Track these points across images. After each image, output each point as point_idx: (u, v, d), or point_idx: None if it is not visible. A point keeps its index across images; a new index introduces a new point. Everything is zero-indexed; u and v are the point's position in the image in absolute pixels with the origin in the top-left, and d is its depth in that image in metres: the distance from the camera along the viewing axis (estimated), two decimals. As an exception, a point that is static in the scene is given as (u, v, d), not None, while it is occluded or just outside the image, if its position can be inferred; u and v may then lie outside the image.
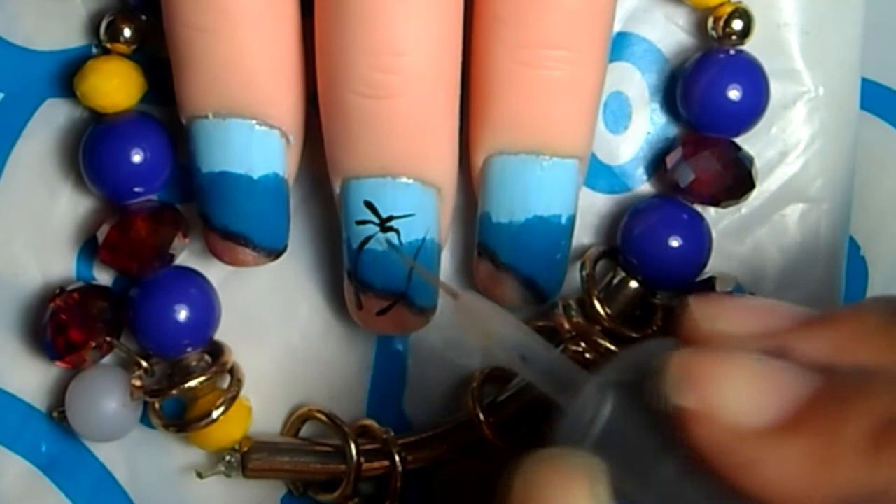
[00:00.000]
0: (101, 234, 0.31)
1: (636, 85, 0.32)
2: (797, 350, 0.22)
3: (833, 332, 0.22)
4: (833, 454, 0.20)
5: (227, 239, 0.29)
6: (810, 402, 0.20)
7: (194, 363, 0.31)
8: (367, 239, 0.29)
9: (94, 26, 0.31)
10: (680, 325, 0.23)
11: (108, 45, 0.31)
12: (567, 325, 0.31)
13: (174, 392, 0.31)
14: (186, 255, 0.32)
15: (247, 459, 0.32)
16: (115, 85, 0.30)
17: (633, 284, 0.32)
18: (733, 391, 0.21)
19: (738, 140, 0.31)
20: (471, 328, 0.25)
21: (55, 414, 0.32)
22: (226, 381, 0.32)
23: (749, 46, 0.31)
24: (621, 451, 0.22)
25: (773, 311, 0.23)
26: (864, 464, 0.19)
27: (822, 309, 0.23)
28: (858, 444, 0.19)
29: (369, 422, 0.32)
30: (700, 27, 0.32)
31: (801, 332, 0.22)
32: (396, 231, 0.29)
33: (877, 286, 0.34)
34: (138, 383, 0.31)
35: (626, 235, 0.31)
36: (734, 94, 0.30)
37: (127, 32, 0.30)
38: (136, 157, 0.30)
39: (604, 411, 0.22)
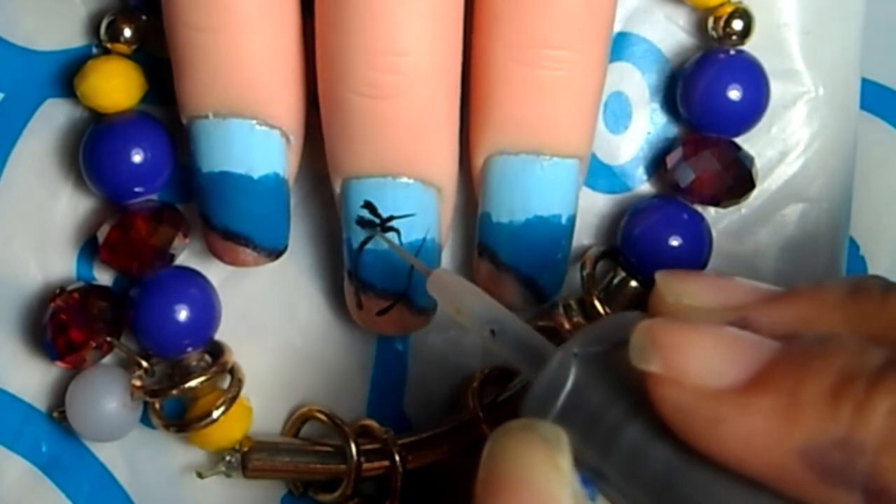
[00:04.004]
0: (102, 234, 0.31)
1: (636, 85, 0.32)
2: (758, 323, 0.23)
3: (792, 306, 0.23)
4: (794, 410, 0.20)
5: (227, 239, 0.29)
6: (771, 365, 0.21)
7: (194, 363, 0.31)
8: (368, 239, 0.29)
9: (94, 26, 0.31)
10: (648, 300, 0.24)
11: (109, 45, 0.31)
12: (567, 325, 0.31)
13: (174, 392, 0.31)
14: (186, 255, 0.32)
15: (247, 459, 0.32)
16: (116, 85, 0.30)
17: (633, 284, 0.32)
18: (697, 355, 0.21)
19: (738, 140, 0.31)
20: (442, 303, 0.26)
21: (55, 414, 0.32)
22: (226, 381, 0.32)
23: (749, 46, 0.31)
24: (584, 421, 0.22)
25: (735, 286, 0.24)
26: (824, 416, 0.20)
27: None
28: (818, 399, 0.20)
29: (369, 422, 0.32)
30: (700, 27, 0.32)
31: (761, 307, 0.23)
32: (397, 231, 0.29)
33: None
34: (138, 383, 0.31)
35: (626, 235, 0.31)
36: (734, 94, 0.30)
37: (127, 32, 0.30)
38: (136, 157, 0.30)
39: (567, 382, 0.23)
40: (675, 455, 0.21)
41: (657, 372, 0.21)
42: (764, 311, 0.23)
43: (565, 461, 0.21)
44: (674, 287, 0.24)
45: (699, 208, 0.32)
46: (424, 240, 0.29)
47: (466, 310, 0.25)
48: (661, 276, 0.24)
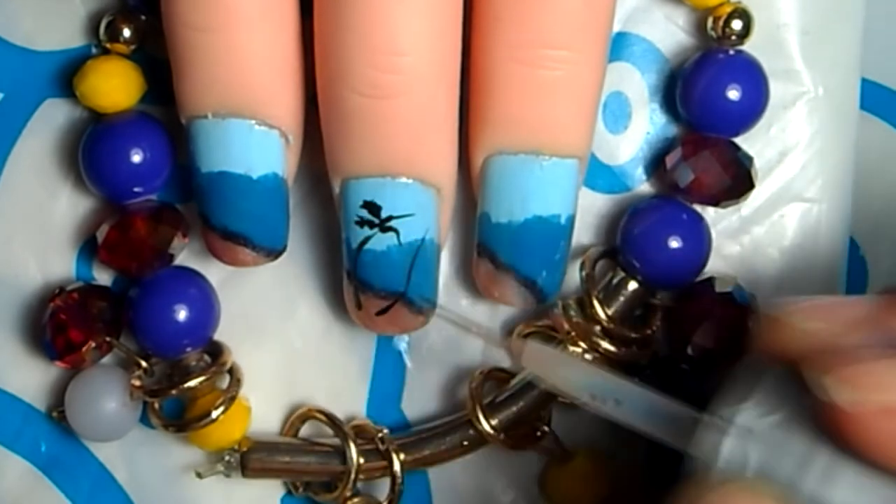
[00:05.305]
0: (101, 234, 0.31)
1: (636, 85, 0.32)
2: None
3: None
4: None
5: (226, 239, 0.29)
6: None
7: (194, 363, 0.31)
8: (367, 239, 0.29)
9: (93, 26, 0.31)
10: (767, 334, 0.24)
11: (108, 45, 0.31)
12: (566, 326, 0.31)
13: (174, 392, 0.31)
14: (186, 255, 0.32)
15: (246, 459, 0.32)
16: (115, 85, 0.30)
17: (633, 284, 0.32)
18: (888, 378, 0.21)
19: (738, 140, 0.31)
20: (543, 376, 0.26)
21: (55, 414, 0.32)
22: (225, 381, 0.32)
23: (749, 46, 0.31)
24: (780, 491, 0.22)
25: (846, 302, 0.23)
26: None
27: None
28: None
29: (363, 421, 0.32)
30: (700, 27, 0.32)
31: (891, 310, 0.22)
32: (396, 231, 0.29)
33: (877, 286, 0.34)
34: (138, 383, 0.31)
35: (626, 235, 0.31)
36: (734, 94, 0.30)
37: (127, 32, 0.31)
38: (136, 157, 0.30)
39: (748, 462, 0.22)
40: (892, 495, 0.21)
41: (870, 408, 0.21)
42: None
43: None
44: (799, 313, 0.23)
45: (699, 208, 0.32)
46: (423, 240, 0.29)
47: (571, 381, 0.25)
48: (781, 311, 0.24)
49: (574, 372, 0.25)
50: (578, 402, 0.25)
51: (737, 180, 0.31)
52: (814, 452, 0.22)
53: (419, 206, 0.29)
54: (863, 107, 0.33)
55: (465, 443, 0.32)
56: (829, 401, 0.21)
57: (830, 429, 0.21)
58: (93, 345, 0.31)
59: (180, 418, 0.32)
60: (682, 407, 0.24)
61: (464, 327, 0.28)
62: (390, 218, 0.29)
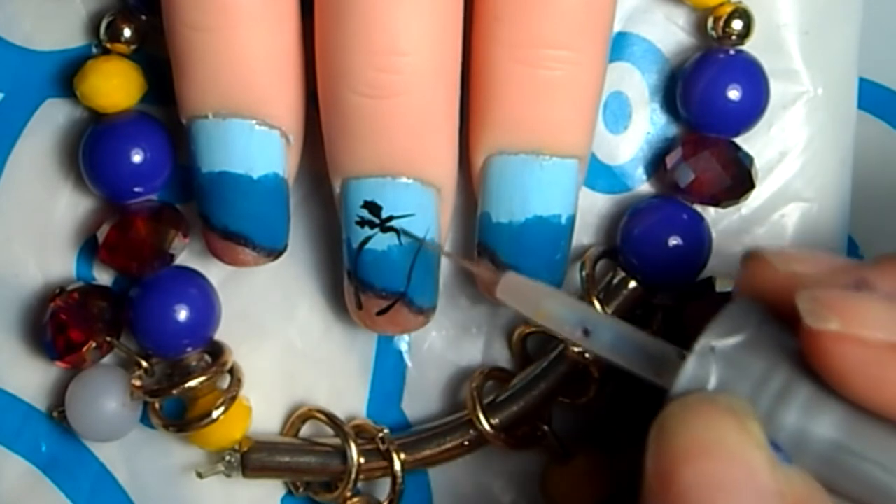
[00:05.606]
0: (101, 233, 0.31)
1: (636, 85, 0.32)
2: (878, 284, 0.23)
3: None
4: None
5: (226, 239, 0.29)
6: None
7: (194, 363, 0.31)
8: (367, 239, 0.29)
9: (94, 26, 0.31)
10: (748, 274, 0.24)
11: (108, 45, 0.31)
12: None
13: (174, 392, 0.31)
14: (186, 255, 0.32)
15: (247, 459, 0.32)
16: (115, 85, 0.30)
17: (633, 284, 0.32)
18: (873, 313, 0.21)
19: (738, 140, 0.31)
20: (516, 307, 0.26)
21: (55, 414, 0.32)
22: (226, 381, 0.32)
23: (749, 46, 0.31)
24: None
25: (833, 258, 0.24)
26: None
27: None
28: None
29: (363, 421, 0.32)
30: (700, 27, 0.32)
31: (875, 269, 0.23)
32: (396, 231, 0.29)
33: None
34: (138, 383, 0.31)
35: (626, 235, 0.31)
36: (734, 94, 0.30)
37: (127, 32, 0.31)
38: (136, 157, 0.30)
39: (709, 379, 0.23)
40: (846, 418, 0.22)
41: (836, 330, 0.21)
42: (879, 272, 0.23)
43: (756, 427, 0.22)
44: (783, 257, 0.24)
45: (699, 208, 0.32)
46: (424, 240, 0.29)
47: (547, 312, 0.25)
48: (766, 251, 0.24)
49: (550, 303, 0.25)
50: (554, 333, 0.25)
51: (737, 180, 0.31)
52: (772, 373, 0.22)
53: (419, 206, 0.29)
54: (861, 106, 0.33)
55: (465, 443, 0.32)
56: (814, 327, 0.22)
57: (810, 350, 0.22)
58: (93, 345, 0.31)
59: (181, 418, 0.32)
60: (655, 340, 0.24)
61: (464, 264, 0.28)
62: (391, 218, 0.29)
